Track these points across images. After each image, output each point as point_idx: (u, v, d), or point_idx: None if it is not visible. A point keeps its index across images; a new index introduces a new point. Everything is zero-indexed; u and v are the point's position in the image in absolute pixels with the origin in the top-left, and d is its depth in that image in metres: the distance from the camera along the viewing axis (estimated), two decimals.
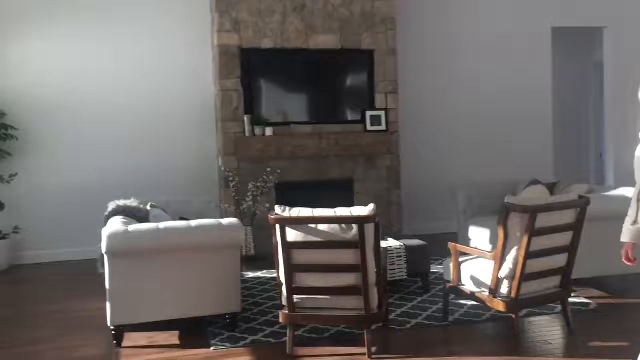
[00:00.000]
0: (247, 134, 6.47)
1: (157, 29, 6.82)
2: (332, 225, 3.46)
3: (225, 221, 4.04)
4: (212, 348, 3.83)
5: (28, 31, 6.51)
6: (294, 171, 6.63)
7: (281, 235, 3.51)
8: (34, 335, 4.26)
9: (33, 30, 6.52)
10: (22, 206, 6.52)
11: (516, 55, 7.75)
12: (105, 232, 3.79)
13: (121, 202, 4.73)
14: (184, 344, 3.95)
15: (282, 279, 3.61)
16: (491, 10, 7.70)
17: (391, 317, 4.27)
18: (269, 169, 6.31)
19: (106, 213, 4.58)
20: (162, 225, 3.97)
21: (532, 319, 4.24)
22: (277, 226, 3.51)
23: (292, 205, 3.66)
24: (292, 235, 3.51)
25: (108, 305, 3.87)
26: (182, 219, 4.59)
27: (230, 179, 6.33)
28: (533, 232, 3.57)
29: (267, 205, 6.16)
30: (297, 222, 3.51)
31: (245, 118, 6.47)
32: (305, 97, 7.03)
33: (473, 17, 7.65)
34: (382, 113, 6.85)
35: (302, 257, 3.54)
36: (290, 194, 6.39)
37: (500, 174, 7.27)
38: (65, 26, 6.59)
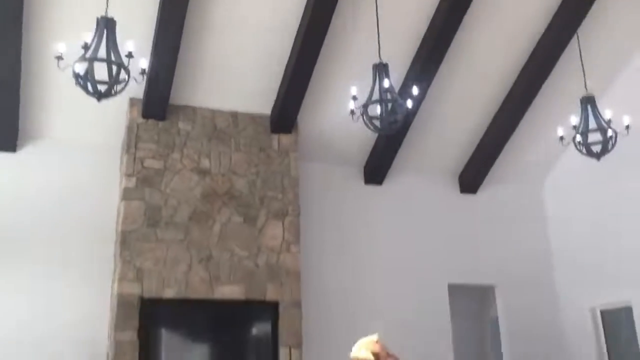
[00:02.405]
0: None
1: (53, 272, 6.48)
2: None
3: None
4: None
5: None
6: None
7: None
8: None
9: None
10: None
11: (417, 310, 7.83)
12: None
13: None
14: None
15: None
16: (393, 268, 7.99)
17: None
18: None
19: None
20: None
21: None
22: None
23: None
24: None
25: None
26: None
27: None
28: None
29: None
30: None
31: None
32: (207, 351, 6.67)
33: (374, 271, 7.87)
34: None
35: None
36: None
37: None
38: None
